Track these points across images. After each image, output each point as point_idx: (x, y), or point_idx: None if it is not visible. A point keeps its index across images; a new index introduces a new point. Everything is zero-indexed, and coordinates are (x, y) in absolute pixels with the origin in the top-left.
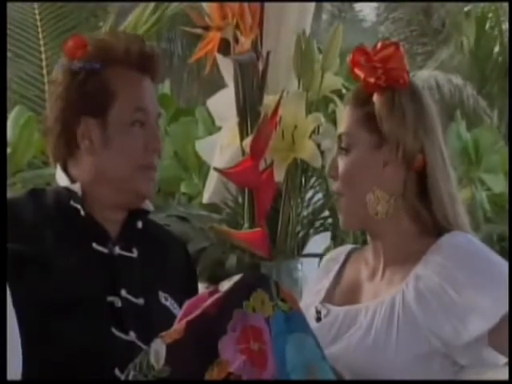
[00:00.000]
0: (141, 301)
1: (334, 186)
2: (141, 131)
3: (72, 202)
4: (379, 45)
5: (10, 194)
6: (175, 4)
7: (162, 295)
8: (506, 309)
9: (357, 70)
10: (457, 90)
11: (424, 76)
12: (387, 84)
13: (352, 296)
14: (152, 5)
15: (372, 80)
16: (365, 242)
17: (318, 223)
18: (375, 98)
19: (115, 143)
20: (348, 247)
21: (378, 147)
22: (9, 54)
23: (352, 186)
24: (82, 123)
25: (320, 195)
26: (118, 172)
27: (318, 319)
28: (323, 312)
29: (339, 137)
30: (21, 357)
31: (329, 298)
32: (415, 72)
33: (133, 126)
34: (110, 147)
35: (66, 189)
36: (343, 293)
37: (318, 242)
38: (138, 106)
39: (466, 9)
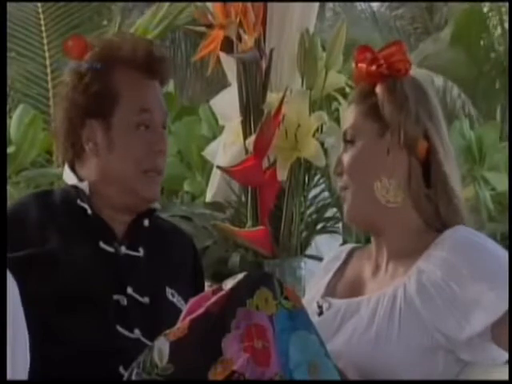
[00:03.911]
0: (146, 299)
1: (341, 181)
2: (146, 134)
3: (79, 201)
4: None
5: (13, 192)
6: (186, 13)
7: (169, 291)
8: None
9: (360, 64)
10: (439, 91)
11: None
12: (389, 72)
13: (354, 290)
14: (162, 13)
15: (374, 68)
16: (367, 242)
17: (321, 223)
18: (378, 87)
19: (120, 146)
20: (350, 246)
21: (382, 135)
22: (12, 53)
23: (358, 175)
24: (87, 125)
25: (324, 194)
26: (122, 175)
27: (320, 313)
28: (325, 306)
29: (344, 132)
30: (28, 354)
31: (330, 292)
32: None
33: (137, 129)
34: (115, 150)
35: (74, 187)
36: (345, 287)
37: (324, 242)
38: (142, 107)
39: (469, 7)
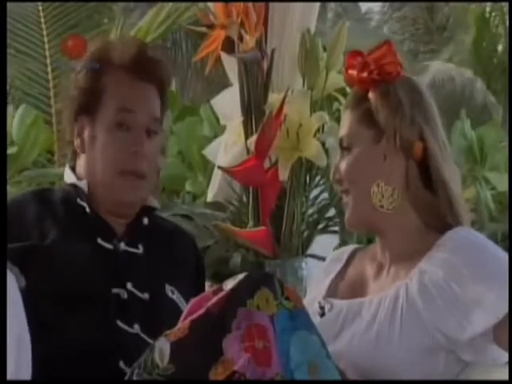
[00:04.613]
0: (146, 296)
1: (341, 186)
2: (126, 134)
3: (79, 200)
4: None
5: (15, 192)
6: (189, 14)
7: (168, 288)
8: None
9: (350, 71)
10: (468, 83)
11: (438, 67)
12: (381, 77)
13: (356, 291)
14: (165, 12)
15: (365, 75)
16: (369, 242)
17: (322, 223)
18: (370, 93)
19: (99, 144)
20: (352, 247)
21: (378, 141)
22: (13, 51)
23: (355, 181)
24: (78, 121)
25: (325, 194)
26: (99, 173)
27: (322, 314)
28: (327, 307)
29: (340, 140)
30: (30, 352)
31: (332, 293)
32: (429, 62)
33: (117, 129)
34: (96, 147)
35: (73, 185)
36: (347, 288)
37: (324, 243)
38: (122, 107)
39: (471, 7)
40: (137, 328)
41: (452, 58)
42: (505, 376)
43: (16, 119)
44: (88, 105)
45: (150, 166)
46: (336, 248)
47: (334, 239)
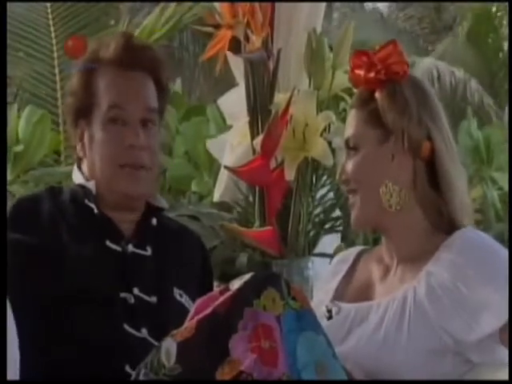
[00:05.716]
0: (153, 299)
1: (348, 186)
2: (121, 128)
3: (86, 201)
4: (378, 47)
5: (22, 191)
6: (193, 12)
7: (176, 291)
8: None
9: (357, 71)
10: (460, 83)
11: (425, 64)
12: (387, 77)
13: (364, 294)
14: (169, 12)
15: (372, 75)
16: (375, 243)
17: (329, 223)
18: (377, 93)
19: (97, 143)
20: (358, 248)
21: (385, 141)
22: (21, 54)
23: (363, 182)
24: (78, 126)
25: (331, 194)
26: (100, 172)
27: (330, 318)
28: (334, 310)
29: (346, 140)
30: (18, 356)
31: (339, 296)
32: (418, 60)
33: (112, 124)
34: (94, 147)
35: (81, 186)
36: (354, 291)
37: (329, 242)
38: (112, 103)
39: (475, 6)
40: (144, 332)
41: (445, 54)
42: (507, 376)
43: (22, 119)
44: (84, 108)
45: (151, 157)
46: (341, 249)
47: (340, 239)
